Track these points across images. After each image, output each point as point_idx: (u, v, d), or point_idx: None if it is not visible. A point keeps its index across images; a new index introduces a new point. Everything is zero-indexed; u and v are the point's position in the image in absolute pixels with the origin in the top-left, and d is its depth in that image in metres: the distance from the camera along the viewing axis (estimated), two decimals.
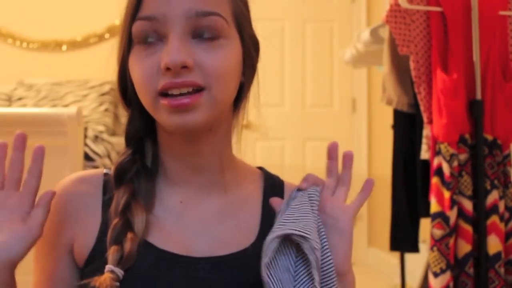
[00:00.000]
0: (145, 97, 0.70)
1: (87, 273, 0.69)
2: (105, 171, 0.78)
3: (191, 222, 0.74)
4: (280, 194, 0.80)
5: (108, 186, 0.75)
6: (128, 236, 0.68)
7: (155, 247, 0.70)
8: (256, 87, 0.79)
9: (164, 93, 0.68)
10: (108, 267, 0.65)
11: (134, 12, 0.70)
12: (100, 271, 0.66)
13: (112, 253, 0.66)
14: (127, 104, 0.77)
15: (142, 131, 0.77)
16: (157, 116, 0.70)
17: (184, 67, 0.66)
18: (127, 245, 0.67)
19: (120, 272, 0.65)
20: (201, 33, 0.68)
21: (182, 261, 0.70)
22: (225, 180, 0.77)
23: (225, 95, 0.71)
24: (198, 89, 0.68)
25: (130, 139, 0.77)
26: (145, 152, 0.77)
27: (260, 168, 0.85)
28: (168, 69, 0.66)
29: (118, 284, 0.65)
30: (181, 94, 0.67)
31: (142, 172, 0.74)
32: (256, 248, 0.71)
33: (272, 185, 0.81)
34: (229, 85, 0.71)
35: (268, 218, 0.76)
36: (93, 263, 0.70)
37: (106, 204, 0.73)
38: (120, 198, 0.71)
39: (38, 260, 0.75)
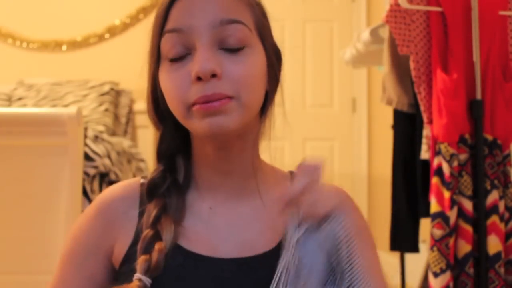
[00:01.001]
0: (177, 109, 0.72)
1: (121, 274, 0.73)
2: (141, 180, 0.81)
3: (219, 226, 0.76)
4: None
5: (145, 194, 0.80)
6: (156, 247, 0.71)
7: (183, 248, 0.73)
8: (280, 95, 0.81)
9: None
10: (137, 275, 0.69)
11: (161, 27, 0.72)
12: (130, 274, 0.70)
13: (140, 262, 0.70)
14: (159, 121, 0.79)
15: (174, 149, 0.80)
16: (190, 123, 0.72)
17: (214, 75, 0.68)
18: (155, 256, 0.70)
19: (147, 280, 0.69)
20: (226, 42, 0.71)
21: (208, 262, 0.73)
22: (254, 185, 0.79)
23: (254, 102, 0.73)
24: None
25: (162, 157, 0.80)
26: (176, 167, 0.80)
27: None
28: (199, 78, 0.68)
29: None
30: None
31: (173, 187, 0.77)
32: (281, 250, 0.72)
33: None
34: (256, 92, 0.73)
35: None
36: (125, 266, 0.74)
37: (142, 211, 0.77)
38: (151, 211, 0.75)
39: (76, 264, 0.77)
